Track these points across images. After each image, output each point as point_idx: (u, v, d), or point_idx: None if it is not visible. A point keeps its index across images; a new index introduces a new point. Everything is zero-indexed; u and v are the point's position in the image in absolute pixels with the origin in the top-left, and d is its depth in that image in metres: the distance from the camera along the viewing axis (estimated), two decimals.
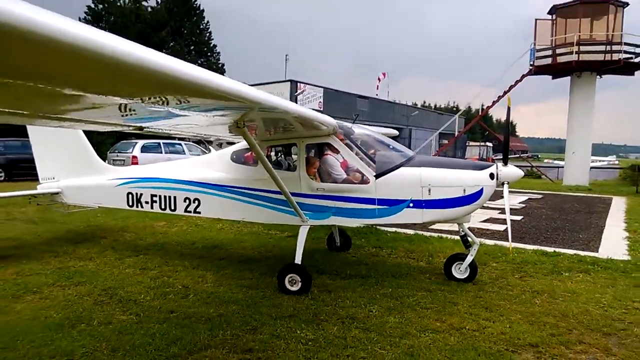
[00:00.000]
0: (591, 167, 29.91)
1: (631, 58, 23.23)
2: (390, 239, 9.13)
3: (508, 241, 6.45)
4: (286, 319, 4.91)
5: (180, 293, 5.76)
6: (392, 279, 6.52)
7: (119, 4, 48.00)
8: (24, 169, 20.19)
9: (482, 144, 60.77)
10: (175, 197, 6.91)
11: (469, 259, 6.34)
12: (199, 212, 6.85)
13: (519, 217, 12.34)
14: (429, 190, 5.93)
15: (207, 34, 53.51)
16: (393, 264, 7.40)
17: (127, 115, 3.64)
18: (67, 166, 8.16)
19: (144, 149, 18.59)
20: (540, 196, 18.14)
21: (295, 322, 4.83)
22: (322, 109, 58.76)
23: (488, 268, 7.19)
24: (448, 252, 7.85)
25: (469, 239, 6.60)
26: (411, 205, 5.98)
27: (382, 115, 46.50)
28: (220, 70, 53.41)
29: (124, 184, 7.35)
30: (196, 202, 6.80)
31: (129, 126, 4.71)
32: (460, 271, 6.39)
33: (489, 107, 29.00)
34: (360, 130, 6.73)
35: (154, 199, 7.05)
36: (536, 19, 24.71)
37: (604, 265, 7.45)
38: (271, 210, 6.43)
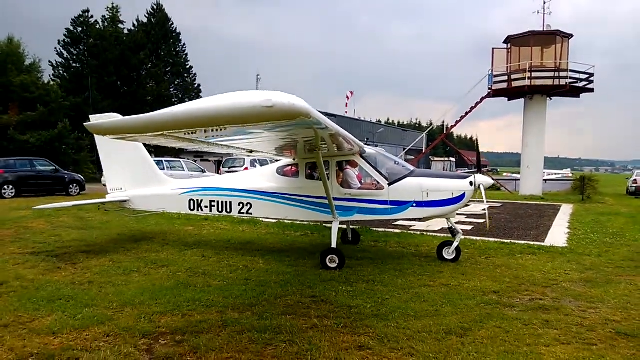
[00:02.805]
0: (546, 180, 33.21)
1: (576, 82, 26.58)
2: (382, 235, 11.43)
3: (472, 237, 8.87)
4: (329, 282, 7.10)
5: (244, 269, 7.88)
6: (392, 259, 8.82)
7: (97, 26, 49.34)
8: (32, 186, 21.70)
9: (446, 159, 64.27)
10: (231, 202, 9.03)
11: (455, 244, 8.69)
12: (251, 213, 9.02)
13: (482, 220, 14.85)
14: (427, 194, 8.30)
15: (184, 56, 55.26)
16: (390, 251, 9.71)
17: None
18: (133, 178, 10.11)
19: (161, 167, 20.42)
20: (499, 204, 20.83)
21: (336, 283, 7.03)
22: None
23: (462, 253, 9.55)
24: (429, 244, 10.29)
25: (455, 229, 8.95)
26: (414, 205, 8.34)
27: (350, 132, 49.07)
28: (197, 91, 55.18)
29: (186, 192, 9.41)
30: (248, 205, 8.94)
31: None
32: (449, 253, 8.71)
33: (452, 126, 32.01)
34: (369, 150, 9.01)
35: (213, 204, 9.14)
36: (493, 48, 27.88)
37: (547, 250, 9.98)
38: (308, 210, 8.66)
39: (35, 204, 11.69)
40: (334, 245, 8.12)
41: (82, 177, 24.75)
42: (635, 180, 29.66)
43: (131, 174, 10.19)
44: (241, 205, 9.04)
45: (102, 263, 8.29)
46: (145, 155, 10.35)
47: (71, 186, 22.99)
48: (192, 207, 9.36)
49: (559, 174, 64.49)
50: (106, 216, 14.35)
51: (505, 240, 10.89)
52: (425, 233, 11.85)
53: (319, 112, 5.06)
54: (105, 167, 10.52)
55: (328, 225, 12.34)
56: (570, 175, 62.81)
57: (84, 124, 5.51)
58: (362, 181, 8.70)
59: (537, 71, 25.94)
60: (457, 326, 5.30)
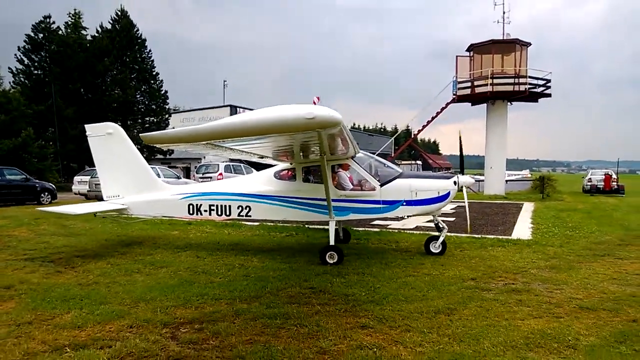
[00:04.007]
0: (507, 180, 34.78)
1: (534, 88, 28.13)
2: (364, 233, 12.11)
3: (448, 232, 9.89)
4: (323, 275, 7.70)
5: (241, 267, 8.37)
6: (376, 254, 9.49)
7: (60, 32, 48.39)
8: (2, 195, 21.36)
9: (413, 162, 65.84)
10: (230, 206, 9.50)
11: (441, 239, 9.44)
12: (250, 216, 9.51)
13: (452, 219, 15.74)
14: (416, 194, 9.01)
15: (150, 62, 54.76)
16: (373, 247, 10.39)
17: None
18: (131, 185, 10.41)
19: None
20: (467, 204, 21.88)
21: (329, 276, 7.63)
22: None
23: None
24: (407, 240, 11.05)
25: (440, 225, 9.70)
26: (404, 204, 9.05)
27: None
28: (164, 97, 54.77)
29: (185, 197, 9.82)
30: (247, 208, 9.44)
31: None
32: (435, 247, 9.43)
33: (419, 131, 33.23)
34: (360, 154, 9.59)
35: (212, 208, 9.59)
36: (457, 56, 29.20)
37: (514, 242, 10.88)
38: (305, 211, 9.24)
39: (5, 213, 11.71)
40: (332, 242, 8.71)
41: (53, 186, 24.48)
42: (590, 179, 31.57)
43: (128, 180, 10.48)
44: (240, 208, 9.52)
45: (101, 266, 8.59)
46: (142, 162, 10.69)
47: (42, 195, 22.76)
48: (191, 212, 9.78)
49: (518, 174, 67.11)
50: (88, 223, 14.51)
51: (476, 236, 11.74)
52: (402, 231, 12.62)
53: None
54: (100, 174, 10.78)
55: (312, 226, 13.00)
56: (529, 175, 65.51)
57: (140, 135, 5.99)
58: (356, 183, 9.32)
59: (498, 78, 27.34)
60: (444, 307, 5.99)
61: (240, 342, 4.88)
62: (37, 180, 24.08)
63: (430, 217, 10.65)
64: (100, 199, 20.98)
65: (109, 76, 50.01)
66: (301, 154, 8.33)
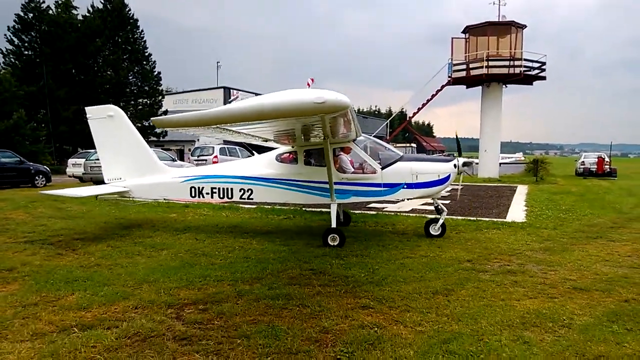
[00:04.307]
0: (501, 163, 34.98)
1: (529, 70, 28.16)
2: (360, 216, 12.24)
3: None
4: (322, 257, 7.82)
5: (241, 249, 8.48)
6: (374, 237, 9.62)
7: (50, 12, 47.58)
8: None
9: (407, 145, 65.91)
10: (232, 189, 9.57)
11: (441, 221, 9.56)
12: (252, 199, 9.61)
13: (447, 201, 15.89)
14: (417, 177, 9.10)
15: (142, 43, 54.05)
16: (370, 230, 10.52)
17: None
18: (132, 168, 10.42)
19: None
20: (460, 187, 22.06)
21: (329, 258, 7.76)
22: None
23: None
24: (403, 223, 11.20)
25: (440, 208, 9.80)
26: (405, 186, 9.14)
27: None
28: (157, 78, 54.21)
29: (187, 180, 9.87)
30: (249, 191, 9.51)
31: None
32: (435, 230, 9.56)
33: (415, 113, 33.23)
34: (361, 137, 9.61)
35: (214, 190, 9.65)
36: (452, 38, 29.12)
37: (509, 225, 11.05)
38: (307, 194, 9.33)
39: (0, 196, 11.73)
40: (334, 225, 8.80)
41: (48, 169, 24.39)
42: (583, 162, 31.85)
43: (130, 163, 10.49)
44: (242, 191, 9.60)
45: (101, 248, 8.66)
46: (143, 145, 10.70)
47: (37, 178, 22.71)
48: (193, 195, 9.85)
49: (512, 157, 67.46)
50: (85, 206, 14.55)
51: (472, 218, 11.90)
52: (398, 213, 12.76)
53: None
54: (102, 158, 10.80)
55: (309, 209, 13.10)
56: (523, 158, 65.82)
57: (151, 118, 6.06)
58: (357, 166, 9.39)
59: (493, 60, 27.34)
60: (441, 288, 6.13)
61: (245, 322, 5.00)
62: (31, 163, 23.94)
63: (426, 200, 10.81)
64: (96, 181, 21.11)
65: (100, 57, 49.38)
66: (303, 136, 8.36)
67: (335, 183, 9.04)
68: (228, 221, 11.84)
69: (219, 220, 12.04)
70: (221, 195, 9.72)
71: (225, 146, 30.43)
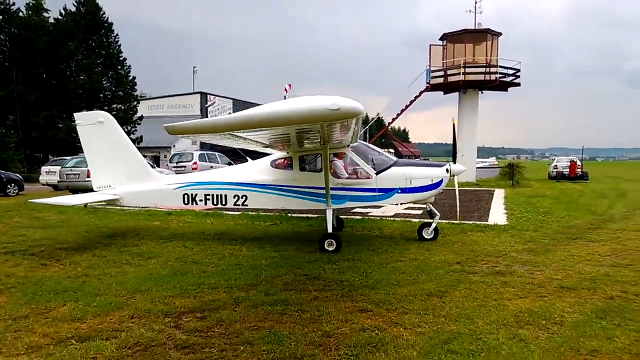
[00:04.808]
0: (477, 167, 35.63)
1: (504, 77, 28.81)
2: (347, 221, 12.29)
3: (424, 219, 10.18)
4: (314, 262, 7.86)
5: (231, 256, 8.44)
6: (363, 241, 9.72)
7: (20, 14, 46.43)
8: None
9: (386, 150, 66.39)
10: (226, 195, 9.53)
11: (434, 225, 9.69)
12: (246, 205, 9.58)
13: (398, 204, 15.98)
14: (410, 181, 9.22)
15: (117, 47, 53.21)
16: (358, 235, 10.61)
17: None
18: (123, 175, 10.25)
19: None
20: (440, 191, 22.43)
21: (321, 263, 7.80)
22: None
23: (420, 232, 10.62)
24: (389, 227, 11.34)
25: (433, 212, 9.93)
26: (399, 191, 9.26)
27: None
28: (131, 83, 53.42)
29: (180, 187, 9.79)
30: (244, 197, 9.49)
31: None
32: (428, 233, 9.70)
33: (393, 119, 33.58)
34: (355, 142, 9.63)
35: (207, 197, 9.59)
36: (430, 45, 29.57)
37: (492, 227, 11.30)
38: (302, 200, 9.36)
39: None
40: (329, 230, 8.85)
41: (20, 177, 23.75)
42: (555, 166, 32.70)
43: (120, 170, 10.31)
44: (236, 197, 9.56)
45: (87, 258, 8.50)
46: (134, 151, 10.56)
47: (9, 186, 22.03)
48: (186, 202, 9.77)
49: (486, 161, 68.83)
50: (63, 214, 14.25)
51: (455, 222, 12.11)
52: (383, 218, 12.90)
53: (256, 103, 6.23)
54: (91, 165, 10.61)
55: (295, 215, 13.12)
56: (496, 162, 67.23)
57: (164, 125, 6.01)
58: (352, 171, 9.47)
59: (470, 67, 27.87)
60: (435, 290, 6.25)
61: (245, 328, 5.00)
62: (2, 171, 23.28)
63: (409, 205, 10.98)
64: (72, 189, 20.66)
65: (73, 61, 48.41)
66: (298, 142, 8.38)
67: (331, 188, 9.08)
68: (214, 228, 11.76)
69: (204, 227, 11.94)
70: (215, 202, 9.66)
71: (205, 152, 30.21)
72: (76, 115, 10.70)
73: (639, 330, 4.83)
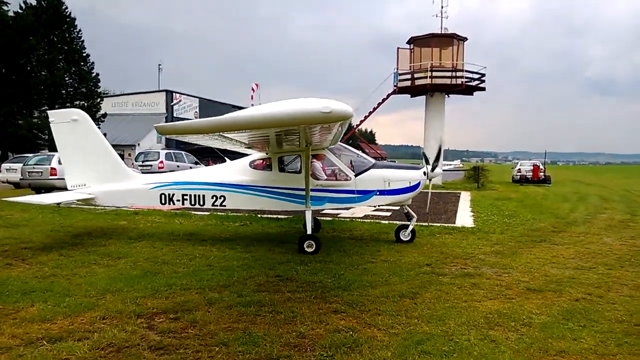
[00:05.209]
0: (443, 170, 36.35)
1: (470, 81, 29.49)
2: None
3: (394, 221, 10.15)
4: (286, 263, 7.87)
5: (202, 257, 8.36)
6: (334, 243, 9.80)
7: None
8: None
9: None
10: (203, 195, 9.43)
11: (410, 227, 9.82)
12: (225, 206, 9.50)
13: (397, 207, 16.35)
14: (389, 184, 9.33)
15: (80, 43, 51.75)
16: (329, 236, 10.67)
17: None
18: (98, 174, 9.98)
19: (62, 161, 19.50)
20: (431, 193, 22.79)
21: (293, 264, 7.82)
22: (198, 119, 59.74)
23: (390, 235, 10.77)
24: (359, 229, 11.48)
25: (410, 214, 10.07)
26: (378, 193, 9.36)
27: None
28: (95, 79, 52.04)
29: (156, 187, 9.63)
30: (222, 198, 9.40)
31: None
32: (405, 235, 9.80)
33: (361, 121, 33.94)
34: (334, 145, 9.68)
35: (185, 197, 9.46)
36: (398, 48, 29.99)
37: (460, 230, 11.56)
38: (281, 201, 9.34)
39: None
40: (309, 231, 8.81)
41: None
42: (519, 169, 33.65)
43: (95, 169, 10.02)
44: (214, 198, 9.46)
45: (54, 258, 8.26)
46: (109, 150, 10.30)
47: None
48: (163, 202, 9.62)
49: (451, 164, 70.21)
50: (26, 213, 13.82)
51: (424, 223, 12.32)
52: (353, 219, 13.01)
53: (223, 103, 6.46)
54: (65, 162, 10.30)
55: (265, 216, 13.08)
56: (461, 165, 68.69)
57: (154, 125, 6.07)
58: (331, 173, 9.51)
59: (437, 71, 28.40)
60: (407, 291, 6.37)
61: (220, 329, 4.98)
62: None
63: (377, 206, 11.14)
64: (34, 187, 19.99)
65: (34, 56, 46.81)
66: (282, 143, 8.36)
67: (311, 190, 9.08)
68: (183, 228, 11.60)
69: (173, 227, 11.77)
70: (192, 203, 9.54)
71: (172, 151, 29.72)
72: (50, 112, 10.43)
73: (604, 332, 5.05)
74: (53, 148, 34.67)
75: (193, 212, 13.87)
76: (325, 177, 9.46)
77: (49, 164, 19.25)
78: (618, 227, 12.68)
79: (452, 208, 16.60)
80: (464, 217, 14.18)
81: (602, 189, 28.44)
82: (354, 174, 9.45)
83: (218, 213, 13.57)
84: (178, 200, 9.58)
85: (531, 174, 32.11)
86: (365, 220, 12.88)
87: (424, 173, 9.75)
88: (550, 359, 4.43)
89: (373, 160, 10.15)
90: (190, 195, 9.54)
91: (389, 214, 14.39)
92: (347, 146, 10.45)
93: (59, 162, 19.41)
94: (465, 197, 20.62)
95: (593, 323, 5.31)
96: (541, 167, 33.02)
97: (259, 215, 13.32)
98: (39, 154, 22.33)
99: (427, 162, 10.29)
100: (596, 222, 13.41)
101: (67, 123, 10.04)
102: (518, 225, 12.55)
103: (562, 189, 27.54)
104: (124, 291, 6.26)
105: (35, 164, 20.19)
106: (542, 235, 10.96)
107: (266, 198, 9.44)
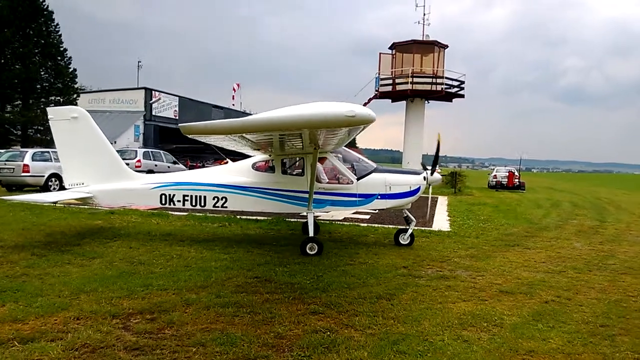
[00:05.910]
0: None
1: (449, 88, 29.97)
2: (298, 224, 12.35)
3: (372, 224, 10.28)
4: (265, 265, 7.89)
5: (179, 258, 8.30)
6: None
7: None
8: None
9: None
10: (205, 197, 9.40)
11: (410, 231, 9.91)
12: (226, 207, 9.49)
13: (376, 210, 16.50)
14: (390, 188, 9.41)
15: (57, 37, 50.71)
16: (322, 240, 10.66)
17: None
18: (97, 173, 9.83)
19: (35, 158, 19.11)
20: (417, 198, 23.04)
21: (272, 265, 7.84)
22: (177, 118, 59.15)
23: (368, 237, 10.90)
24: (339, 231, 11.55)
25: (409, 218, 10.15)
26: (379, 197, 9.44)
27: None
28: (72, 75, 51.07)
29: (157, 187, 9.56)
30: (224, 199, 9.38)
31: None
32: (404, 239, 9.90)
33: None
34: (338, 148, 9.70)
35: (186, 198, 9.41)
36: (380, 53, 30.34)
37: (436, 233, 11.76)
38: (283, 203, 9.37)
39: None
40: (311, 234, 8.81)
41: None
42: (495, 175, 34.24)
43: (94, 168, 9.86)
44: (216, 199, 9.41)
45: (25, 257, 8.08)
46: (109, 149, 10.16)
47: None
48: (163, 202, 9.55)
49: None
50: None
51: (401, 227, 12.45)
52: (332, 222, 13.08)
53: (203, 102, 6.70)
54: (63, 161, 10.12)
55: (244, 217, 13.04)
56: (439, 170, 69.48)
57: (179, 125, 6.09)
58: (333, 176, 9.55)
59: (418, 77, 28.81)
60: (384, 293, 6.45)
61: (197, 330, 4.97)
62: None
63: (356, 210, 11.24)
64: (5, 184, 19.51)
65: (9, 49, 45.68)
66: (280, 146, 8.33)
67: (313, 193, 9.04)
68: (160, 229, 11.48)
69: (149, 227, 11.64)
70: (193, 204, 9.48)
71: (149, 150, 29.39)
72: (49, 109, 10.29)
73: (572, 332, 5.23)
74: (26, 144, 33.87)
75: (171, 212, 13.74)
76: (328, 180, 9.50)
77: (22, 161, 18.79)
78: (588, 232, 13.07)
79: (430, 212, 16.79)
80: (441, 221, 14.40)
81: (574, 196, 29.20)
82: (356, 177, 9.50)
83: (196, 214, 13.46)
84: (179, 201, 9.52)
85: (506, 180, 32.71)
86: (345, 223, 12.97)
87: (424, 178, 9.83)
88: (520, 358, 4.55)
89: (374, 165, 10.21)
90: (192, 196, 9.48)
91: (367, 217, 14.49)
92: (349, 150, 10.51)
93: (32, 159, 19.04)
94: (442, 202, 20.92)
95: (561, 324, 5.48)
96: (516, 173, 33.68)
97: (238, 217, 13.27)
98: (10, 149, 21.77)
99: (425, 168, 10.41)
100: (567, 228, 13.78)
101: (66, 121, 9.90)
102: (492, 229, 12.81)
103: (535, 196, 28.16)
104: (99, 291, 6.18)
105: (6, 160, 19.69)
106: (515, 240, 11.21)
107: (268, 200, 9.43)
